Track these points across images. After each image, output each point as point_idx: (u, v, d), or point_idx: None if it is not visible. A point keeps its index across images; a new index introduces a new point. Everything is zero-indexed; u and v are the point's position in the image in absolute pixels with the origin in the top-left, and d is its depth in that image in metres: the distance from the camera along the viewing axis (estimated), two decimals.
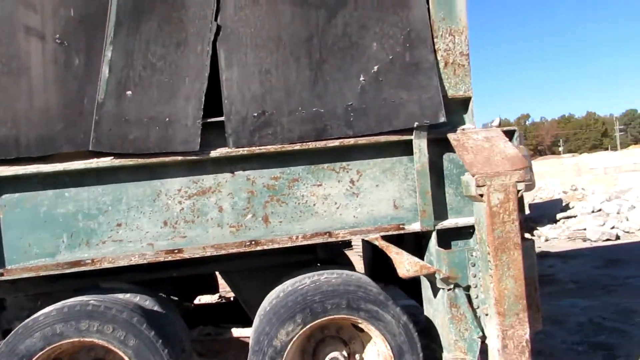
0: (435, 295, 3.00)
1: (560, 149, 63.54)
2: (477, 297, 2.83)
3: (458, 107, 2.95)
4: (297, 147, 2.80)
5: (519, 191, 2.62)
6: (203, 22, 2.73)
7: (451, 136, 2.83)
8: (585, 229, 10.62)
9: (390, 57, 2.82)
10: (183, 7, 2.72)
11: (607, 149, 54.17)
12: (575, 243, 10.32)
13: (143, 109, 2.65)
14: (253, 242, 2.82)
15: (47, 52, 2.60)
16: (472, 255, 2.82)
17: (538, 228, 11.73)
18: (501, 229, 2.60)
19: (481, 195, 2.60)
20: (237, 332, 3.27)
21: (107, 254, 2.75)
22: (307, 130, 2.78)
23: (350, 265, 4.07)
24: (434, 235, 2.90)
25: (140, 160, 2.69)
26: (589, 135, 74.47)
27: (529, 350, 2.64)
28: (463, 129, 2.91)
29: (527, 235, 2.98)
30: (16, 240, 2.69)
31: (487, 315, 2.74)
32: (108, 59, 2.63)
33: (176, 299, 4.12)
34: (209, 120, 2.74)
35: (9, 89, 2.59)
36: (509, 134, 2.92)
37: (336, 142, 2.80)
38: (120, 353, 2.60)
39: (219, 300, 4.83)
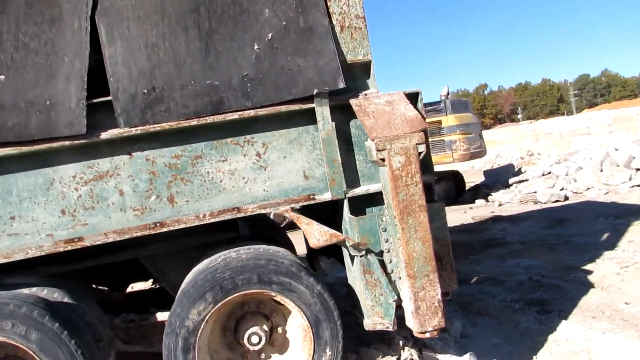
0: (352, 262, 2.97)
1: (519, 116, 64.85)
2: (390, 262, 2.81)
3: (359, 72, 2.89)
4: (195, 122, 2.69)
5: (420, 153, 2.59)
6: None
7: (353, 102, 2.77)
8: (535, 192, 10.89)
9: (284, 23, 2.73)
10: None
11: (563, 114, 55.71)
12: (527, 206, 10.59)
13: (19, 93, 2.48)
14: (158, 224, 2.72)
15: None
16: (382, 221, 2.79)
17: (492, 194, 11.98)
18: (405, 192, 2.57)
19: (383, 160, 2.56)
20: (162, 316, 3.18)
21: (2, 249, 2.61)
22: (202, 104, 2.67)
23: (285, 242, 4.01)
24: (345, 204, 2.86)
25: (25, 148, 2.53)
26: (545, 101, 76.24)
27: (442, 310, 2.65)
28: (366, 94, 2.86)
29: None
30: None
31: (400, 278, 2.73)
32: None
33: (105, 288, 4.00)
34: (95, 100, 2.60)
35: None
36: (413, 97, 2.88)
37: (235, 115, 2.71)
38: (24, 348, 2.49)
39: (153, 286, 4.72)
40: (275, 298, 2.75)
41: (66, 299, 2.85)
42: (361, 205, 2.92)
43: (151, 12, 2.61)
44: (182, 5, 2.65)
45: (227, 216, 2.77)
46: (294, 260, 2.78)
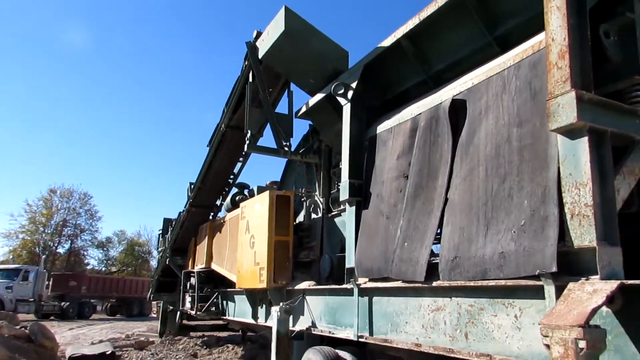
0: None
1: None
2: None
3: (586, 257, 2.85)
4: (483, 283, 3.68)
5: (581, 349, 2.45)
6: (441, 197, 4.29)
7: (571, 285, 2.85)
8: None
9: (532, 212, 3.27)
10: (435, 189, 4.41)
11: None
12: None
13: (408, 253, 4.48)
14: (450, 350, 3.86)
15: (382, 223, 5.00)
16: None
17: None
18: None
19: (548, 347, 2.64)
20: None
21: (399, 338, 4.61)
22: (475, 271, 3.64)
23: None
24: None
25: (409, 284, 4.48)
26: None
27: None
28: (587, 279, 2.80)
29: None
30: (376, 321, 5.06)
31: None
32: (400, 225, 4.70)
33: None
34: (434, 261, 4.18)
35: (373, 246, 5.15)
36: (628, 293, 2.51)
37: (492, 282, 3.49)
38: None
39: None
40: None
41: None
42: None
43: (465, 206, 3.91)
44: (478, 202, 3.80)
45: (483, 359, 3.50)
46: None
